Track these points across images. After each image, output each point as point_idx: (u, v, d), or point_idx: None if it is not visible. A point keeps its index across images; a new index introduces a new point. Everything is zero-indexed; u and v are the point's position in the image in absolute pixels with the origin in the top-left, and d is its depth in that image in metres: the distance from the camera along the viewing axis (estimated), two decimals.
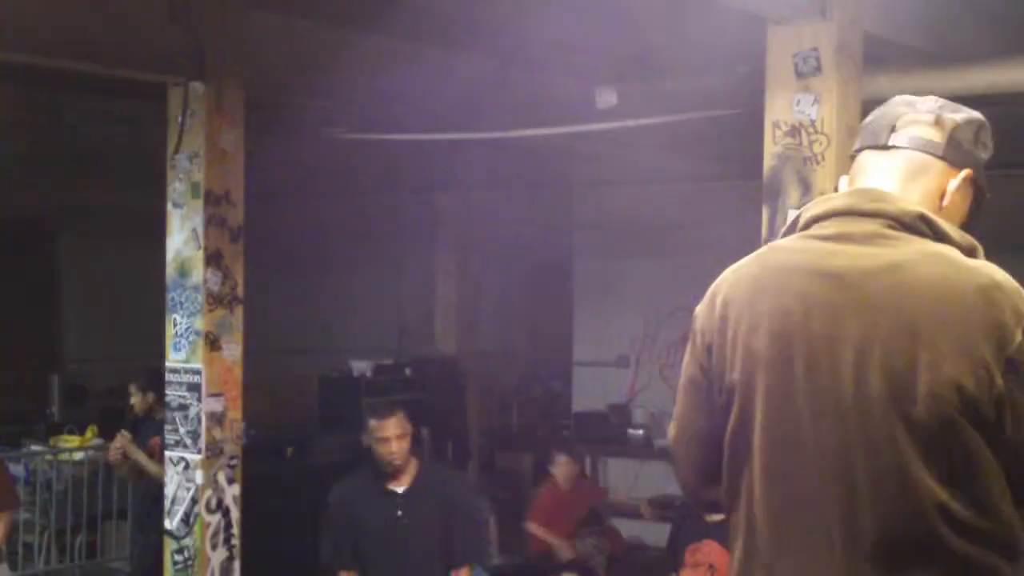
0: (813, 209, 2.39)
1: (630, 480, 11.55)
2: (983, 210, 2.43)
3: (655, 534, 9.97)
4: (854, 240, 2.27)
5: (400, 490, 5.78)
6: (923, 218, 2.27)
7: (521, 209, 12.28)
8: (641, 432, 11.40)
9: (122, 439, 7.44)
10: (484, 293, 13.05)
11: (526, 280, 13.59)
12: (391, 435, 5.76)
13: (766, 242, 4.65)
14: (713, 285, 2.44)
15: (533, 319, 13.99)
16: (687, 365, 2.45)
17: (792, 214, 4.69)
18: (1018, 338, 2.13)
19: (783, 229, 2.48)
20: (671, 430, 2.54)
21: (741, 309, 2.33)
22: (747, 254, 2.48)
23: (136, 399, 7.62)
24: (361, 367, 12.00)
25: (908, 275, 2.19)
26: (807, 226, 2.37)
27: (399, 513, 5.74)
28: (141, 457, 7.35)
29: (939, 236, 2.27)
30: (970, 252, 2.27)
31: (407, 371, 12.40)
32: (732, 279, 2.40)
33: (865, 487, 2.17)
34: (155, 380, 7.46)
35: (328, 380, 12.31)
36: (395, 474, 5.78)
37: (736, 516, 2.36)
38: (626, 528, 11.26)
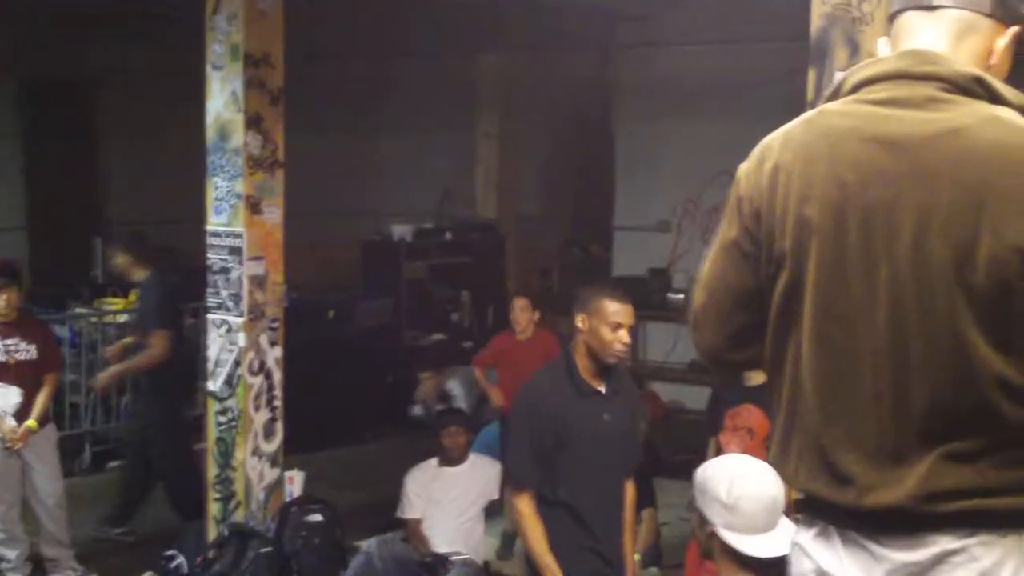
0: (861, 72, 2.33)
1: (669, 344, 11.59)
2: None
3: (694, 398, 10.03)
4: (908, 105, 2.21)
5: (604, 390, 5.05)
6: (978, 80, 2.21)
7: (563, 71, 12.15)
8: (681, 296, 11.41)
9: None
10: (525, 156, 12.99)
11: (568, 143, 13.51)
12: (628, 323, 4.97)
13: (812, 105, 4.58)
14: (758, 149, 2.38)
15: (575, 183, 13.93)
16: (727, 228, 2.40)
17: (839, 76, 4.62)
18: None
19: (827, 93, 2.42)
20: (698, 292, 2.48)
21: (791, 176, 2.27)
22: (792, 117, 2.42)
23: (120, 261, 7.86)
24: (402, 231, 12.02)
25: (967, 140, 2.13)
26: (854, 90, 2.31)
27: (605, 416, 5.02)
28: (115, 370, 7.95)
29: (995, 98, 2.20)
30: None
31: (448, 235, 12.41)
32: (780, 144, 2.33)
33: (918, 354, 2.15)
34: (134, 241, 7.90)
35: (369, 244, 12.35)
36: (603, 370, 5.03)
37: (780, 383, 2.35)
38: (665, 392, 11.33)
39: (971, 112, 2.17)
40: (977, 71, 2.22)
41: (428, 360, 11.26)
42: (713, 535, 3.37)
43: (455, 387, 10.78)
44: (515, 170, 12.83)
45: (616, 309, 4.90)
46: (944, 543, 2.16)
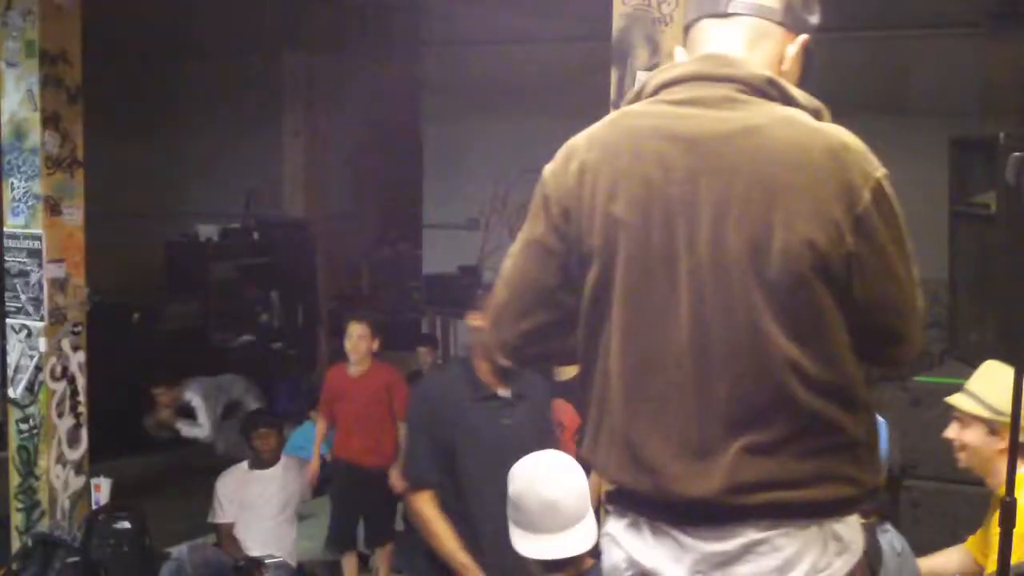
0: (662, 75, 2.39)
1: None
2: (811, 74, 2.46)
3: None
4: (706, 104, 2.28)
5: (506, 394, 4.82)
6: (772, 82, 2.29)
7: (371, 69, 12.12)
8: None
9: None
10: (333, 155, 12.92)
11: (377, 141, 13.48)
12: None
13: (615, 104, 4.65)
14: (564, 149, 2.42)
15: (383, 181, 13.90)
16: (533, 226, 2.44)
17: (641, 76, 4.68)
18: (866, 197, 2.18)
19: (630, 95, 2.47)
20: (500, 288, 2.53)
21: (598, 175, 2.32)
22: (594, 115, 2.47)
23: None
24: (208, 231, 11.85)
25: (761, 138, 2.21)
26: (656, 92, 2.37)
27: (505, 421, 4.78)
28: None
29: (787, 99, 2.29)
30: (816, 114, 2.30)
31: (255, 235, 12.27)
32: (585, 144, 2.38)
33: (719, 347, 2.21)
34: None
35: (175, 245, 12.14)
36: (504, 373, 4.76)
37: (591, 378, 2.39)
38: None
39: (765, 112, 2.25)
40: (771, 74, 2.31)
41: (160, 374, 10.05)
42: None
43: (194, 399, 9.94)
44: (323, 169, 12.74)
45: None
46: (750, 534, 2.22)
